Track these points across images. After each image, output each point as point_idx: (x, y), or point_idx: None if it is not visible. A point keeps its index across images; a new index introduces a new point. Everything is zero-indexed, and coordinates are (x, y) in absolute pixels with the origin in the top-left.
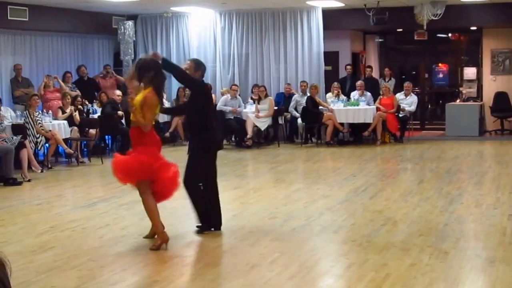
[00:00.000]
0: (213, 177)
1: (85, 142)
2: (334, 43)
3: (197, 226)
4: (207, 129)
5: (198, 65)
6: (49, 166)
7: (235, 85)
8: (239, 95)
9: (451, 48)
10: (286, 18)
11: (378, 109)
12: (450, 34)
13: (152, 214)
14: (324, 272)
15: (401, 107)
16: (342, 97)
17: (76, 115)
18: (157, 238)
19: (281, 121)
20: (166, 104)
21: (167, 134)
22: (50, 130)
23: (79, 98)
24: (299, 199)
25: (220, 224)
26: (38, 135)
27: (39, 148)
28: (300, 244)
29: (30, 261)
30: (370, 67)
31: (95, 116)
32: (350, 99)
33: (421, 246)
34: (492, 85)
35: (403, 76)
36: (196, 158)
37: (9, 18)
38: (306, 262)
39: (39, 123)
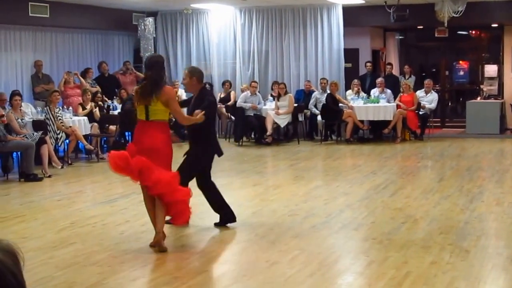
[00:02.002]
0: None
1: (105, 138)
2: (354, 40)
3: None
4: (214, 136)
5: (192, 72)
6: (70, 162)
7: (255, 81)
8: (258, 92)
9: (472, 45)
10: (306, 15)
11: (398, 106)
12: (471, 31)
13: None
14: (344, 270)
15: (422, 104)
16: (362, 94)
17: (96, 111)
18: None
19: (301, 118)
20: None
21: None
22: (70, 126)
23: (99, 94)
24: (319, 196)
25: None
26: (58, 131)
27: (59, 144)
28: (320, 242)
29: (50, 257)
30: (390, 64)
31: (115, 112)
32: (370, 96)
33: (441, 244)
34: None
35: (423, 74)
36: (197, 161)
37: (30, 14)
38: (326, 259)
39: (60, 119)
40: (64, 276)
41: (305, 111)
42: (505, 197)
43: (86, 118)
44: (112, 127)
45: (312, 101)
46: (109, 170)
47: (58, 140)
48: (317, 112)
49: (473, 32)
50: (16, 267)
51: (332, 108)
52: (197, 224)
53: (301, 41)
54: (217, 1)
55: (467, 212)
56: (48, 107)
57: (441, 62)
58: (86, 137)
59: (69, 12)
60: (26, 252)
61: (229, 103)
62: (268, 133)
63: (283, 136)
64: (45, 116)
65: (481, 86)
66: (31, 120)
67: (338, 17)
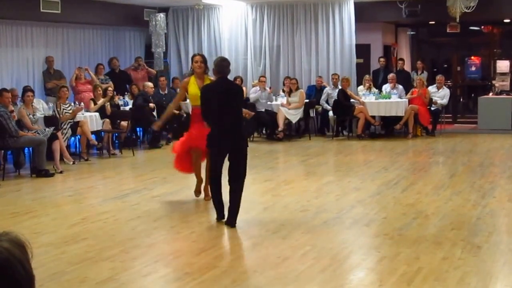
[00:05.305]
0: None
1: (116, 134)
2: (366, 35)
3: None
4: (212, 126)
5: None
6: (86, 158)
7: (263, 76)
8: (269, 87)
9: (484, 41)
10: (317, 11)
11: (410, 101)
12: (483, 27)
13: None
14: (355, 265)
15: (433, 100)
16: (374, 90)
17: (108, 106)
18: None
19: (312, 113)
20: None
21: None
22: (82, 112)
23: (110, 88)
24: (330, 192)
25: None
26: (65, 127)
27: (64, 140)
28: (331, 237)
29: (62, 252)
30: (402, 59)
31: (127, 108)
32: (382, 92)
33: (453, 240)
34: None
35: (435, 69)
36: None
37: (41, 10)
38: (338, 255)
39: (66, 114)
40: (76, 271)
41: (317, 106)
42: None
43: (97, 114)
44: (124, 123)
45: (323, 96)
46: (122, 165)
47: (64, 136)
48: (329, 107)
49: (485, 27)
50: (24, 258)
51: (344, 103)
52: (208, 220)
53: (313, 36)
54: None
55: (478, 208)
56: (55, 103)
57: (453, 58)
58: (98, 132)
59: (80, 8)
60: (38, 247)
61: None
62: (279, 129)
63: (294, 131)
64: (52, 111)
65: (493, 82)
66: (43, 116)
67: (349, 12)
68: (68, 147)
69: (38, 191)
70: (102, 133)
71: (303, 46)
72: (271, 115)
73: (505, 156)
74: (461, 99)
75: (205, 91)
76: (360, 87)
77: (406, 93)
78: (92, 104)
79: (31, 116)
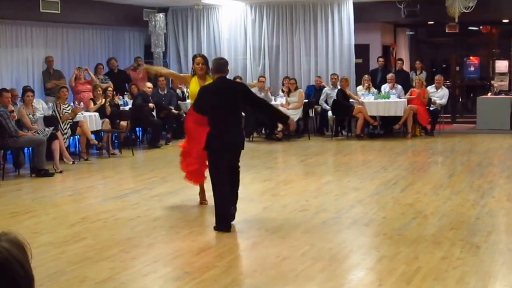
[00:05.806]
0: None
1: (116, 134)
2: (365, 35)
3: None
4: (211, 127)
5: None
6: (86, 158)
7: (263, 76)
8: (269, 87)
9: (482, 41)
10: (317, 11)
11: (409, 101)
12: (481, 27)
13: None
14: (355, 265)
15: (432, 100)
16: (373, 90)
17: (107, 105)
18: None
19: (311, 113)
20: None
21: None
22: (81, 112)
23: (110, 88)
24: (329, 191)
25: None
26: (64, 127)
27: (65, 140)
28: (331, 237)
29: (62, 252)
30: (401, 60)
31: (126, 108)
32: (381, 92)
33: (452, 240)
34: None
35: (434, 69)
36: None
37: (41, 10)
38: (337, 254)
39: (66, 114)
40: (76, 271)
41: (316, 106)
42: None
43: (97, 113)
44: (123, 123)
45: (322, 96)
46: (122, 165)
47: (64, 136)
48: (328, 107)
49: (484, 27)
50: (23, 258)
51: (343, 103)
52: (208, 219)
53: (312, 36)
54: None
55: (477, 208)
56: (55, 103)
57: (452, 58)
58: (98, 132)
59: (80, 8)
60: (37, 247)
61: None
62: (278, 129)
63: (293, 131)
64: (52, 111)
65: (492, 82)
66: (43, 116)
67: (348, 12)
68: (67, 147)
69: (37, 191)
70: (102, 133)
71: (302, 46)
72: None
73: (504, 155)
74: (460, 99)
75: (204, 92)
76: (359, 87)
77: (405, 93)
78: (91, 104)
79: (30, 116)
